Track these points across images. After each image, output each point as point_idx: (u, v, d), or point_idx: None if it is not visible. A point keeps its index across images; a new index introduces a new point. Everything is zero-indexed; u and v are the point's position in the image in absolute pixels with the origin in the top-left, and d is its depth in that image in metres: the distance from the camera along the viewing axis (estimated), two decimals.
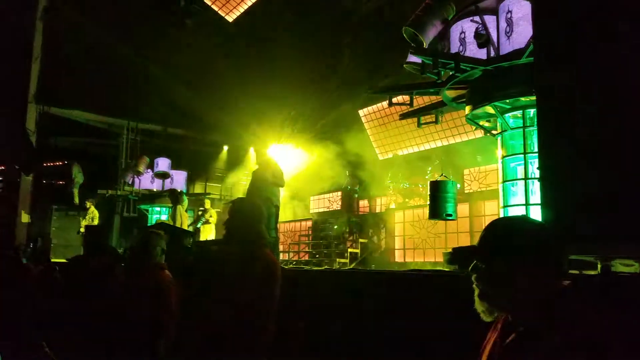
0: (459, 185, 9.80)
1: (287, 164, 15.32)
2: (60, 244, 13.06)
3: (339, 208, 12.94)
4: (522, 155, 6.11)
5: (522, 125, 6.16)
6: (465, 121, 7.35)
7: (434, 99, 8.44)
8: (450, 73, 6.50)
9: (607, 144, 2.73)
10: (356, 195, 13.31)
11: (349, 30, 14.01)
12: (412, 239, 10.28)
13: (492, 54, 6.14)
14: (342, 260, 10.31)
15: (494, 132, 6.84)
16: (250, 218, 3.16)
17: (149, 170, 14.52)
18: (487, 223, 1.56)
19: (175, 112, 15.61)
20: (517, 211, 6.05)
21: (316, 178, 14.14)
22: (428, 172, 11.25)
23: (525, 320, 1.38)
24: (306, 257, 11.76)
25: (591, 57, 2.89)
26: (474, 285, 1.44)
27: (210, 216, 12.63)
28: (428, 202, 8.12)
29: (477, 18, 6.26)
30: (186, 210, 10.44)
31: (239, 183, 16.40)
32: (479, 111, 6.52)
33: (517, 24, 5.85)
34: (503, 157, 6.45)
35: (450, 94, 7.21)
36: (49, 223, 13.71)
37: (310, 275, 6.27)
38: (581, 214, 2.72)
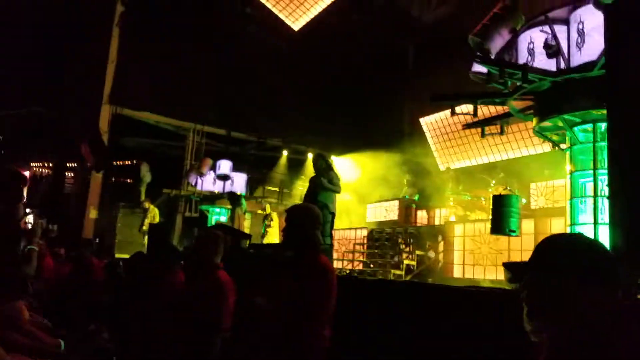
0: (524, 200, 9.43)
1: (346, 171, 15.42)
2: (126, 240, 13.72)
3: (395, 218, 12.78)
4: (592, 171, 5.82)
5: (592, 140, 5.88)
6: (533, 133, 7.09)
7: (500, 109, 8.20)
8: (518, 84, 6.31)
9: None
10: (414, 206, 13.10)
11: (414, 37, 13.88)
12: (472, 254, 9.96)
13: (562, 65, 5.90)
14: (398, 272, 10.13)
15: (562, 146, 6.57)
16: (306, 224, 3.19)
17: (211, 171, 14.99)
18: None
19: (238, 118, 16.05)
20: (585, 230, 5.76)
21: (374, 186, 14.05)
22: (492, 184, 10.90)
23: (573, 342, 1.31)
24: (360, 267, 11.68)
25: None
26: (522, 303, 1.38)
27: (272, 220, 12.81)
28: (490, 217, 7.87)
29: (546, 28, 6.06)
30: (245, 213, 10.67)
31: (297, 188, 16.60)
32: (547, 123, 6.30)
33: (589, 34, 5.61)
34: (571, 172, 6.18)
35: (517, 104, 6.99)
36: (115, 220, 14.42)
37: (362, 285, 6.22)
38: None
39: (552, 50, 5.99)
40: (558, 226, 8.43)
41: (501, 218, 7.46)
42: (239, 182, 15.35)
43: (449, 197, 11.77)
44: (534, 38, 6.30)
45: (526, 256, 1.44)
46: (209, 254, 3.71)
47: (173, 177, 15.84)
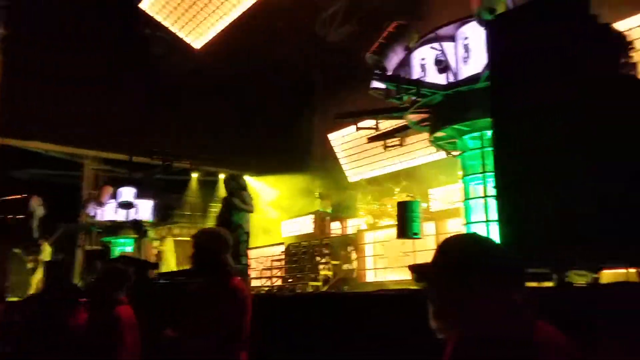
0: (425, 205, 10.02)
1: (261, 191, 15.33)
2: (20, 282, 12.52)
3: (311, 231, 12.95)
4: (481, 175, 6.28)
5: (480, 146, 6.34)
6: (430, 143, 7.53)
7: (401, 122, 8.62)
8: (413, 98, 6.67)
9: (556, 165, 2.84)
10: (328, 218, 13.38)
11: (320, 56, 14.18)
12: (383, 259, 10.37)
13: (452, 79, 6.34)
14: (316, 284, 10.24)
15: (454, 153, 7.03)
16: (213, 248, 3.14)
17: (112, 200, 14.20)
18: None
19: (142, 142, 15.37)
20: (478, 227, 6.21)
21: (291, 203, 14.16)
22: (396, 192, 11.46)
23: (471, 339, 1.37)
24: (280, 282, 11.62)
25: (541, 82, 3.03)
26: (428, 302, 1.42)
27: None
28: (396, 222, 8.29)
29: (436, 45, 6.47)
30: (151, 241, 10.22)
31: (212, 211, 16.21)
32: (441, 133, 6.70)
33: (473, 49, 6.07)
34: (463, 176, 6.64)
35: (414, 117, 7.39)
36: (6, 261, 13.11)
37: (280, 301, 6.19)
38: (534, 227, 2.81)
39: (442, 65, 6.41)
40: (455, 226, 9.04)
41: (405, 223, 8.04)
42: (144, 209, 14.67)
43: (359, 207, 12.20)
44: (426, 55, 6.68)
45: (429, 256, 1.49)
46: (108, 290, 3.55)
47: (70, 209, 14.80)
